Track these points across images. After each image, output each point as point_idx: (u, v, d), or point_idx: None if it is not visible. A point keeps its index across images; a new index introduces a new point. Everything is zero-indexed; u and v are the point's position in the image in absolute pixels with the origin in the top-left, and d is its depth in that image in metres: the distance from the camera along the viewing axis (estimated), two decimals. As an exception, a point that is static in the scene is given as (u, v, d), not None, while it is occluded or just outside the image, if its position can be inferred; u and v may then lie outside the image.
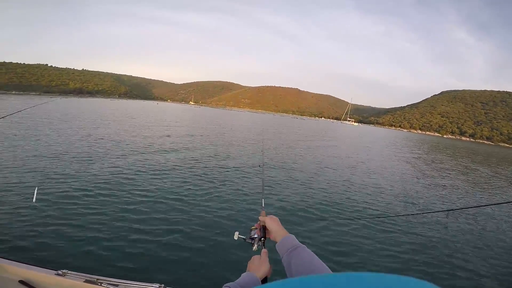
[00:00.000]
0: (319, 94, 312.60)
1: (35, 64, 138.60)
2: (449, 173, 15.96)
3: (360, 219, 6.49)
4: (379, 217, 6.79)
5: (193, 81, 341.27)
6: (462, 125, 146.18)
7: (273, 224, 1.01)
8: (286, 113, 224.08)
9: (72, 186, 6.31)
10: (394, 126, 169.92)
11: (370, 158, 17.93)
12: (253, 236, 1.12)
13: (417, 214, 7.20)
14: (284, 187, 8.14)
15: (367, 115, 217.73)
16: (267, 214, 1.03)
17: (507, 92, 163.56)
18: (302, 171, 10.78)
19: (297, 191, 8.02)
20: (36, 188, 5.54)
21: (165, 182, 7.26)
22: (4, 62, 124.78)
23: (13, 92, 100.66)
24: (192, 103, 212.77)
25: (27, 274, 1.38)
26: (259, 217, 1.09)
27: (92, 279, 1.38)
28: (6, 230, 4.27)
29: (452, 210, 6.15)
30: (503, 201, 9.58)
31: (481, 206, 9.30)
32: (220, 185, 7.61)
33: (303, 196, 7.62)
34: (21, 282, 1.34)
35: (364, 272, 0.30)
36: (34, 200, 4.68)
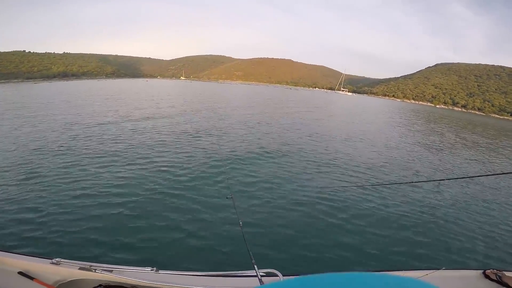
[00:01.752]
0: (312, 64, 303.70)
1: (12, 51, 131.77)
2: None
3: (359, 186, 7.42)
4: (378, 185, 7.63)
5: (183, 56, 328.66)
6: (455, 96, 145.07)
7: None
8: (279, 84, 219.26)
9: (61, 172, 6.72)
10: (388, 96, 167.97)
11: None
12: None
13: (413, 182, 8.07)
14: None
15: (361, 85, 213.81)
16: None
17: (501, 66, 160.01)
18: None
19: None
20: None
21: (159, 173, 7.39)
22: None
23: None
24: (183, 78, 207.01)
25: (25, 265, 1.41)
26: None
27: (86, 266, 1.40)
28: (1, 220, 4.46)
29: (443, 180, 6.69)
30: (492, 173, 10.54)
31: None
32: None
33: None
34: (20, 273, 1.37)
35: (364, 272, 0.32)
36: None
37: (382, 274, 0.32)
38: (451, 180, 8.47)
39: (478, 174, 10.32)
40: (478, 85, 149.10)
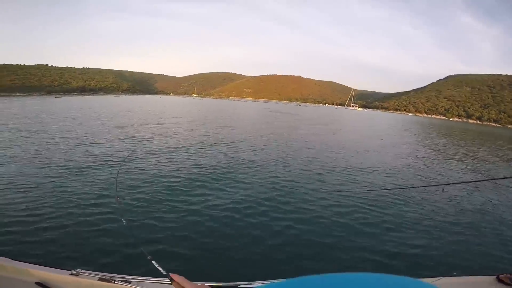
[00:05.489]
0: (322, 80, 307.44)
1: (35, 65, 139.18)
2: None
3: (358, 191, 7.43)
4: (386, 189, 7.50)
5: (195, 74, 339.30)
6: (469, 108, 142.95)
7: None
8: (289, 100, 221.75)
9: (80, 184, 6.54)
10: (400, 110, 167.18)
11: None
12: None
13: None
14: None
15: (371, 100, 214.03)
16: None
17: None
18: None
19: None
20: None
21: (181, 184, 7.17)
22: (5, 64, 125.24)
23: (17, 94, 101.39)
24: (195, 95, 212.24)
25: (43, 276, 1.41)
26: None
27: (106, 277, 1.41)
28: (18, 231, 4.38)
29: (448, 184, 6.49)
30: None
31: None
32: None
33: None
34: (38, 283, 1.37)
35: (363, 272, 0.31)
36: None
37: (382, 274, 0.32)
38: (463, 185, 8.30)
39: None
40: (492, 96, 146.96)
